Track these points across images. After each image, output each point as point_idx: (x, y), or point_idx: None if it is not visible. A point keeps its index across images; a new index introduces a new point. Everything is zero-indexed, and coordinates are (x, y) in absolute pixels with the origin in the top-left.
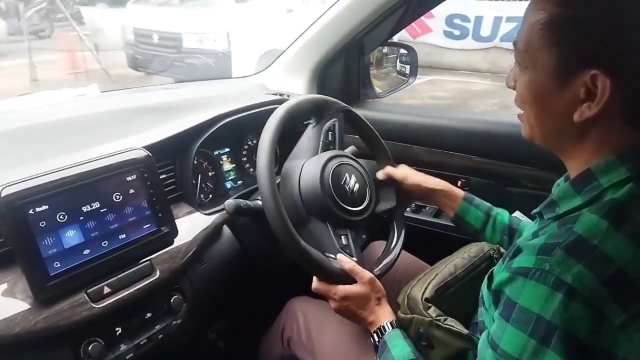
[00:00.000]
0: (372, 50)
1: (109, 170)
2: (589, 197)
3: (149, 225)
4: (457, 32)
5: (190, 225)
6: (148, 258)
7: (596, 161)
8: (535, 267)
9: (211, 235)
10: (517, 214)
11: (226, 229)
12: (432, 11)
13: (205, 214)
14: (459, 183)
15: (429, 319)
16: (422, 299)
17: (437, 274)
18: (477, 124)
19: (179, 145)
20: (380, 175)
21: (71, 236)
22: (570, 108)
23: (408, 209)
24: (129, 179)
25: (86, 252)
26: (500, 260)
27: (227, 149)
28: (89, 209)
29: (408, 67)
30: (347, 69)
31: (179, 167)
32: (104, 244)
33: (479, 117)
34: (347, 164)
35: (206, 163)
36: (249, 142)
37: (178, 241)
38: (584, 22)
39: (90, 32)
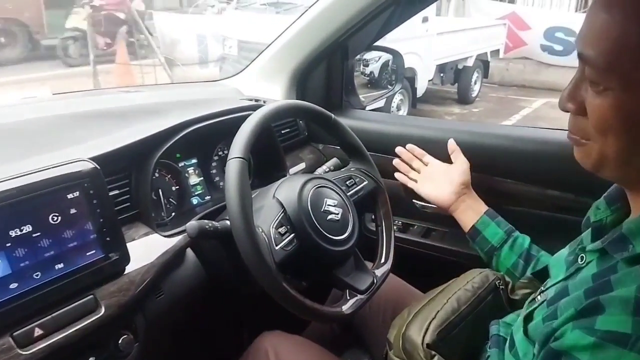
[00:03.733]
0: (356, 54)
1: (44, 186)
2: None
3: (93, 251)
4: (558, 47)
5: (147, 249)
6: (91, 292)
7: None
8: (637, 333)
9: (171, 260)
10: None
11: (190, 253)
12: (528, 23)
13: (165, 236)
14: None
15: None
16: (422, 343)
17: (437, 312)
18: (473, 136)
19: (135, 157)
20: (451, 144)
21: None
22: None
23: (394, 227)
24: (70, 196)
25: (13, 286)
26: (544, 303)
27: (194, 160)
28: (18, 233)
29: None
30: (329, 75)
31: (134, 181)
32: (36, 275)
33: (476, 129)
34: (325, 186)
35: (169, 176)
36: (220, 153)
37: (130, 269)
38: None
39: (161, 42)
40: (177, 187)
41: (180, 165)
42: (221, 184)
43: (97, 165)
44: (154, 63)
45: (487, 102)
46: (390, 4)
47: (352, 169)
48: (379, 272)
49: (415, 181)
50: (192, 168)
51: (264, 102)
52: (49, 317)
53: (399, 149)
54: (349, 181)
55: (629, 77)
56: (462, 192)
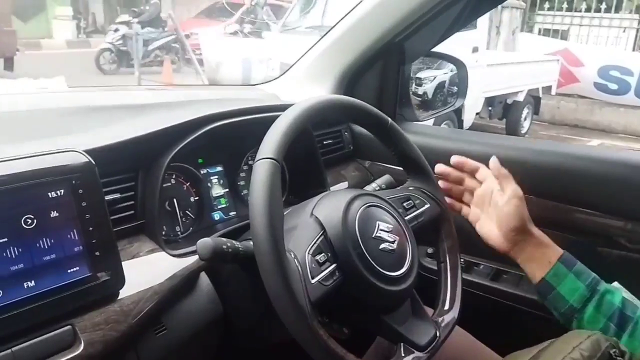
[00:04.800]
0: (414, 59)
1: (18, 178)
2: None
3: (77, 268)
4: (613, 86)
5: (149, 270)
6: (69, 321)
7: None
8: None
9: (179, 287)
10: (615, 285)
11: (204, 280)
12: (581, 59)
13: (174, 255)
14: None
15: None
16: None
17: None
18: (554, 157)
19: (143, 154)
20: (494, 164)
21: None
22: None
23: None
24: (52, 194)
25: None
26: None
27: (219, 168)
28: None
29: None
30: (383, 79)
31: (141, 185)
32: None
33: (557, 149)
34: (379, 206)
35: (188, 184)
36: (250, 162)
37: (125, 294)
38: None
39: (205, 64)
40: (197, 197)
41: (202, 172)
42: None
43: (91, 160)
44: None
45: None
46: (454, 2)
47: (411, 188)
48: (442, 322)
49: (468, 206)
50: (217, 177)
51: None
52: (9, 351)
53: (439, 168)
54: (407, 203)
55: None
56: (515, 239)
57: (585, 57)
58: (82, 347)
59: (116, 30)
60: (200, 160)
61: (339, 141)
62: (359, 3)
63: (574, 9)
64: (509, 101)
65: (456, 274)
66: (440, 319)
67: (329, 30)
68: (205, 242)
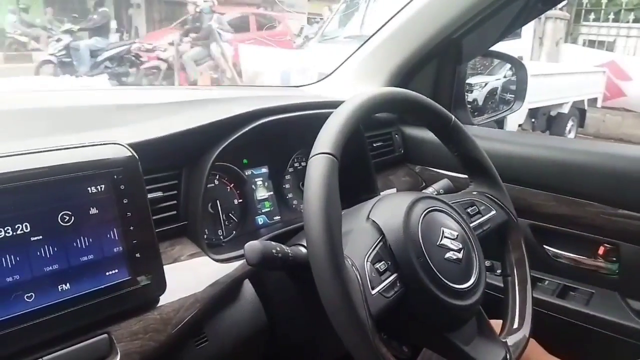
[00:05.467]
0: (471, 58)
1: (56, 171)
2: None
3: (115, 271)
4: None
5: (192, 276)
6: (106, 329)
7: None
8: None
9: (223, 295)
10: None
11: (248, 287)
12: (629, 73)
13: (217, 261)
14: (601, 250)
15: None
16: None
17: None
18: (633, 163)
19: (189, 151)
20: None
21: None
22: None
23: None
24: (92, 190)
25: None
26: None
27: (263, 170)
28: (10, 233)
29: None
30: (438, 78)
31: (184, 184)
32: (29, 297)
33: (635, 153)
34: (443, 211)
35: (232, 185)
36: (296, 164)
37: (165, 301)
38: None
39: (244, 75)
40: (241, 200)
41: (246, 173)
42: (295, 202)
43: (134, 153)
44: None
45: None
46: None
47: (474, 193)
48: (511, 342)
49: None
50: (261, 179)
51: None
52: None
53: None
54: (471, 209)
55: None
56: None
57: (633, 70)
58: (118, 358)
59: (58, 40)
60: (245, 161)
61: (389, 144)
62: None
63: (621, 20)
64: (553, 113)
65: (525, 288)
66: (509, 339)
67: (379, 29)
68: (253, 246)
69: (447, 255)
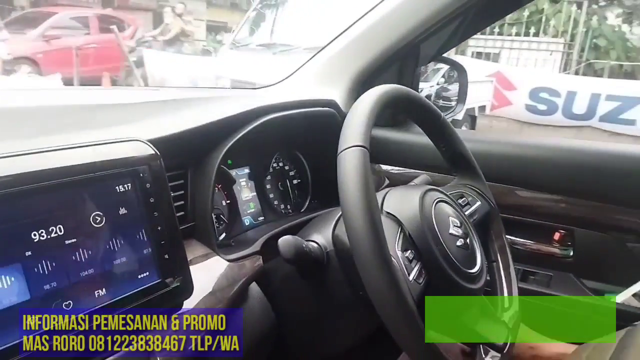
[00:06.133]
0: (425, 62)
1: (86, 169)
2: None
3: (146, 274)
4: (542, 107)
5: (209, 277)
6: (142, 335)
7: None
8: None
9: (236, 296)
10: None
11: (254, 287)
12: (514, 83)
13: (230, 261)
14: (557, 235)
15: None
16: None
17: None
18: (583, 156)
19: (194, 150)
20: None
21: (4, 288)
22: None
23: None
24: (120, 189)
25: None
26: None
27: (246, 170)
28: (44, 237)
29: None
30: (399, 83)
31: (191, 183)
32: (67, 305)
33: (586, 147)
34: (447, 202)
35: (219, 186)
36: (275, 164)
37: (190, 305)
38: None
39: (150, 80)
40: (229, 201)
41: (233, 173)
42: (276, 203)
43: (156, 151)
44: None
45: None
46: (462, 12)
47: (460, 185)
48: (506, 319)
49: None
50: (244, 179)
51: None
52: None
53: None
54: (461, 199)
55: None
56: None
57: (517, 80)
58: None
59: None
60: (229, 162)
61: None
62: (377, 5)
63: (504, 33)
64: (449, 118)
65: (509, 273)
66: (503, 317)
67: (341, 33)
68: (287, 241)
69: (458, 242)
